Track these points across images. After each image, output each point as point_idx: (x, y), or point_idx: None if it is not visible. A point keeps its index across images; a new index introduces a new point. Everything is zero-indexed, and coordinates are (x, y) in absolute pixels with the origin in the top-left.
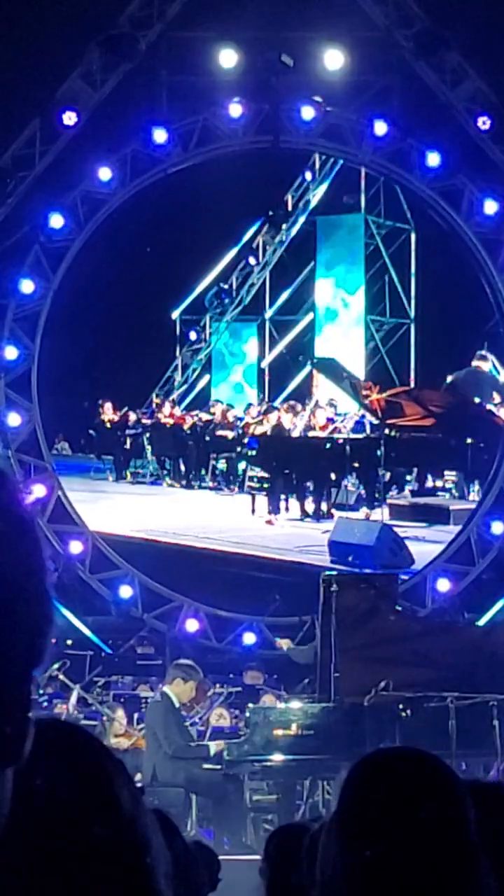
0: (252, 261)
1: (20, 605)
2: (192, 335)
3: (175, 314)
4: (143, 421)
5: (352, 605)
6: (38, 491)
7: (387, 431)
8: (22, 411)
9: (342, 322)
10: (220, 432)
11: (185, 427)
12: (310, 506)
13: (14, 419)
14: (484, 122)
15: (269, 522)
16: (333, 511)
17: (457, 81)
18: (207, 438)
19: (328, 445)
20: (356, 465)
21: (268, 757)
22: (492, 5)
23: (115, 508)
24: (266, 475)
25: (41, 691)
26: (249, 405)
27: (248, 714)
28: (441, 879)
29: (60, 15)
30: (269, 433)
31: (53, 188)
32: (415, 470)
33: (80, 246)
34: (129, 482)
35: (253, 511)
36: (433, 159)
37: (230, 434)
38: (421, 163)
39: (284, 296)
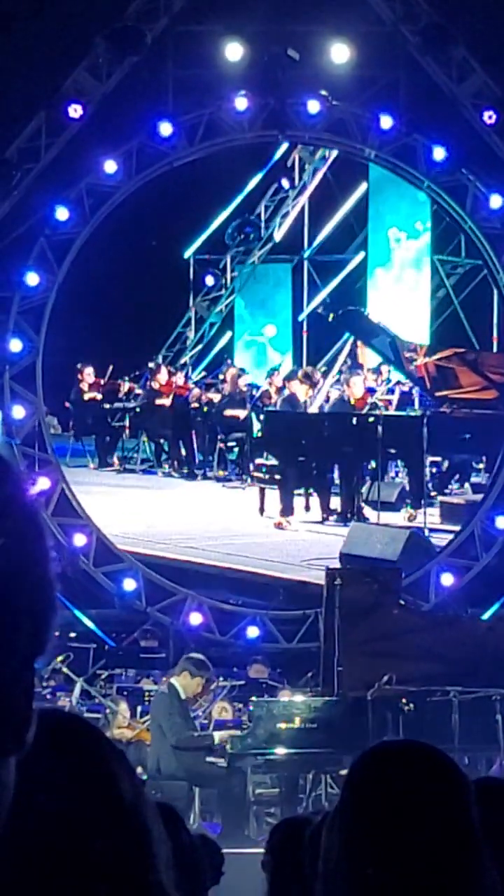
0: (286, 183)
1: (24, 594)
2: (209, 280)
3: (188, 253)
4: (137, 391)
5: (355, 599)
6: (42, 483)
7: (444, 408)
8: (26, 404)
9: (397, 264)
10: (228, 410)
11: (191, 400)
12: (336, 503)
13: (18, 412)
14: (490, 117)
15: (278, 525)
16: (368, 510)
17: (463, 76)
18: (210, 412)
19: (354, 423)
20: (392, 450)
21: (271, 750)
22: (498, 0)
23: (87, 505)
24: (275, 463)
25: (44, 684)
26: (273, 370)
27: (251, 707)
28: (444, 873)
29: (66, 8)
30: (280, 407)
31: (59, 181)
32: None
33: (85, 239)
34: (116, 470)
35: (261, 510)
36: (439, 154)
37: (241, 413)
38: (427, 157)
39: (327, 229)
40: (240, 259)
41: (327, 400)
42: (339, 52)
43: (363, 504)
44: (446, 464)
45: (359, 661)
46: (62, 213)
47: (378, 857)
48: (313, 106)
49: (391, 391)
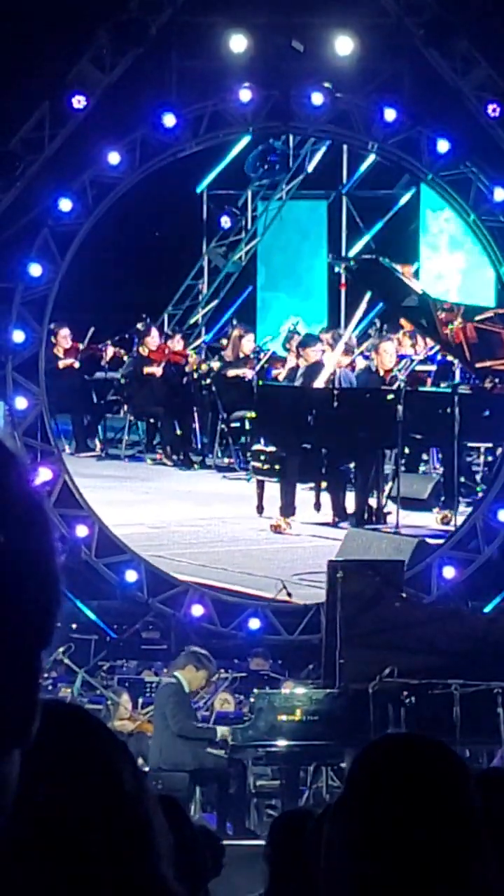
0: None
1: (30, 586)
2: (226, 221)
3: (200, 187)
4: (125, 357)
5: (357, 591)
6: (45, 475)
7: (486, 383)
8: (29, 395)
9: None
10: (232, 372)
11: (189, 369)
12: (353, 502)
13: (21, 403)
14: (494, 110)
15: (276, 528)
16: (390, 510)
17: (467, 69)
18: (209, 383)
19: (371, 400)
20: (418, 435)
21: (272, 742)
22: None
23: None
24: (273, 450)
25: (46, 675)
26: (293, 332)
27: (252, 699)
28: (446, 866)
29: None
30: (299, 379)
31: (62, 172)
32: None
33: (88, 230)
34: (97, 456)
35: (259, 508)
36: (442, 146)
37: (249, 372)
38: (430, 150)
39: (372, 157)
40: (263, 195)
41: (352, 370)
42: (344, 45)
43: (386, 502)
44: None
45: (360, 653)
46: (65, 205)
47: (380, 850)
48: (317, 98)
49: (432, 360)
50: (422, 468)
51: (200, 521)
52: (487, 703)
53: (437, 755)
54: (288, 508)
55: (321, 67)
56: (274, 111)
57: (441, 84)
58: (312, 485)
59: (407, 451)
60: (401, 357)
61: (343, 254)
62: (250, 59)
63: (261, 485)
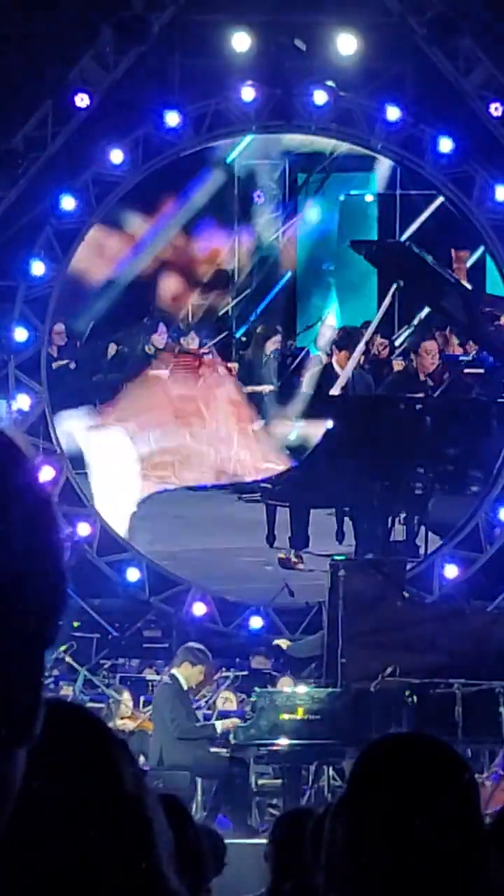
0: None
1: (35, 584)
2: (258, 197)
3: (231, 157)
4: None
5: (359, 590)
6: (47, 473)
7: None
8: (31, 393)
9: None
10: (249, 386)
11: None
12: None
13: (23, 401)
14: (496, 109)
15: (285, 562)
16: (425, 539)
17: (470, 68)
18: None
19: (388, 407)
20: (451, 450)
21: (274, 741)
22: None
23: None
24: (283, 469)
25: (48, 673)
26: (324, 327)
27: (254, 698)
28: (448, 864)
29: None
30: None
31: (65, 170)
32: None
33: (90, 228)
34: None
35: (270, 538)
36: (445, 145)
37: (265, 388)
38: (433, 149)
39: None
40: (304, 165)
41: (388, 374)
42: (346, 43)
43: (418, 530)
44: None
45: (362, 652)
46: (68, 203)
47: (382, 848)
48: (320, 97)
49: (481, 360)
50: (474, 488)
51: (196, 554)
52: (489, 703)
53: (438, 754)
54: (299, 538)
55: (324, 66)
56: (277, 110)
57: (444, 83)
58: (334, 510)
59: (451, 468)
60: (446, 358)
61: (396, 235)
62: (253, 58)
63: (272, 511)
